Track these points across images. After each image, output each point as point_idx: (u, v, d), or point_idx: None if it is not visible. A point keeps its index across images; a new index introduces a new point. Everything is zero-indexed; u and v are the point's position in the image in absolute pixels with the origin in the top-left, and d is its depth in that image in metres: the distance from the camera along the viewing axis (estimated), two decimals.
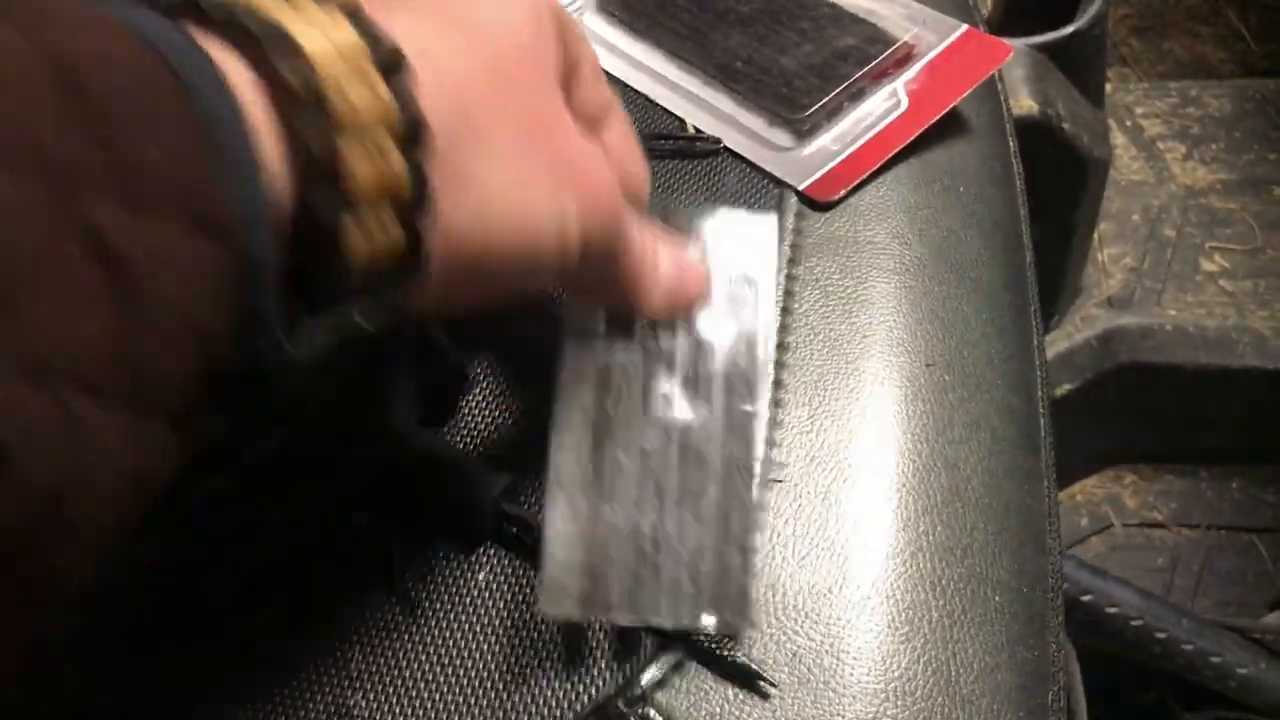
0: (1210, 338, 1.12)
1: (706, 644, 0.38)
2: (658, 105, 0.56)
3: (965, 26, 0.55)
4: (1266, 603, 1.09)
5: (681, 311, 0.40)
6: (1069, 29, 0.95)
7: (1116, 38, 1.53)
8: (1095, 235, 1.14)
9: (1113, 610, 0.82)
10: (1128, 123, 1.27)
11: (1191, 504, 1.17)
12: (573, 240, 0.33)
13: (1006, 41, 0.55)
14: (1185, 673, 0.84)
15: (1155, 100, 1.29)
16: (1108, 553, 1.16)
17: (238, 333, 0.25)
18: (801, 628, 0.39)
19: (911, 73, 0.53)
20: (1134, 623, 0.82)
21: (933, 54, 0.54)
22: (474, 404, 0.46)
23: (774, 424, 0.44)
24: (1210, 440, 1.17)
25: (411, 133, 0.28)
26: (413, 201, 0.28)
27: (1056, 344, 1.11)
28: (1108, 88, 1.13)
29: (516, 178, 0.31)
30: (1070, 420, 1.05)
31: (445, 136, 0.29)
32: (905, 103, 0.52)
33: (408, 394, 0.44)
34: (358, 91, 0.27)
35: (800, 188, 0.51)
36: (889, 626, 0.39)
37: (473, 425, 0.45)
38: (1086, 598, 0.83)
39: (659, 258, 0.39)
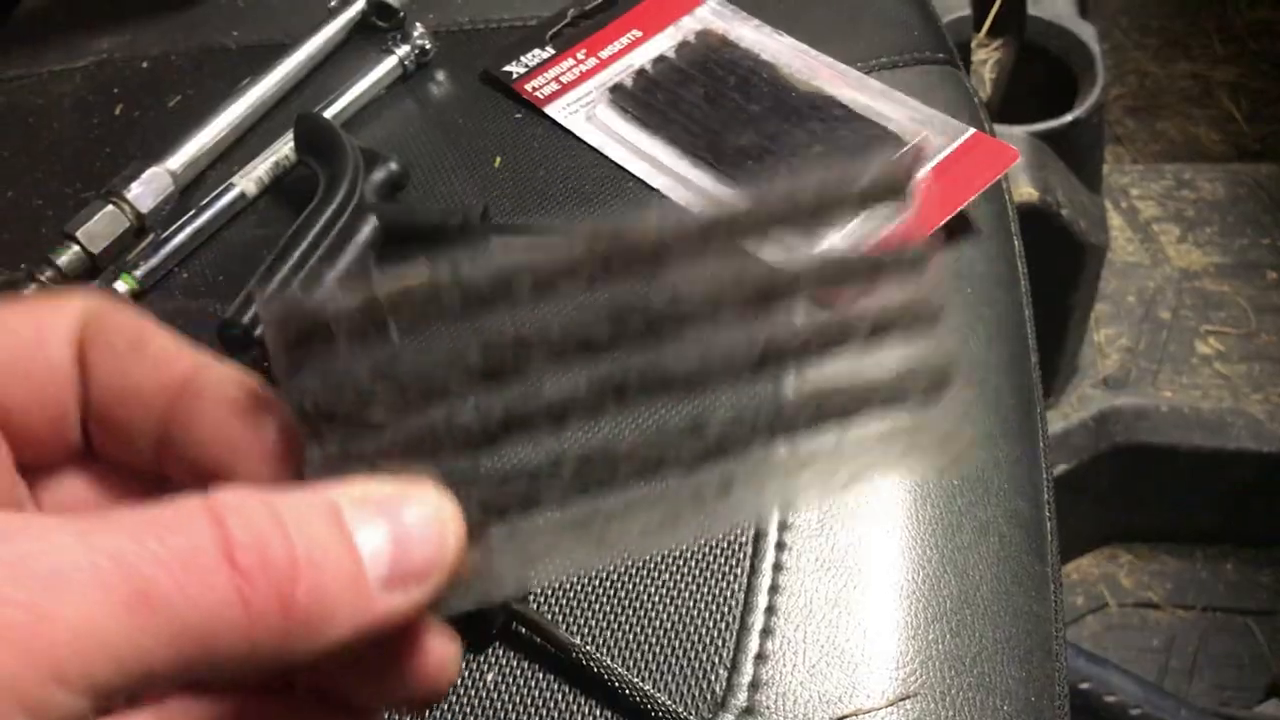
0: (1205, 420, 1.13)
1: None
2: (667, 199, 0.57)
3: (973, 130, 0.56)
4: (1261, 686, 1.09)
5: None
6: (1068, 117, 0.96)
7: (1110, 117, 1.55)
8: (1091, 316, 1.15)
9: (1111, 699, 0.82)
10: (1123, 204, 1.28)
11: (1186, 585, 1.17)
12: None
13: (1010, 133, 0.56)
14: None
15: (1150, 183, 1.31)
16: (1103, 632, 1.16)
17: None
18: None
19: (919, 175, 0.54)
20: (1133, 711, 0.82)
21: (941, 157, 0.55)
22: (480, 602, 0.46)
23: (784, 527, 0.44)
24: (1205, 521, 1.17)
25: None
26: None
27: (1053, 424, 1.12)
28: (1103, 169, 1.15)
29: None
30: (1066, 499, 1.05)
31: None
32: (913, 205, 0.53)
33: None
34: None
35: None
36: None
37: None
38: (1085, 685, 0.82)
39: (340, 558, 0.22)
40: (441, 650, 0.25)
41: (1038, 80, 1.08)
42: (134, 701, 0.24)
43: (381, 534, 0.22)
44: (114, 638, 0.20)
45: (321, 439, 0.24)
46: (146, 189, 0.60)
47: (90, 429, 0.27)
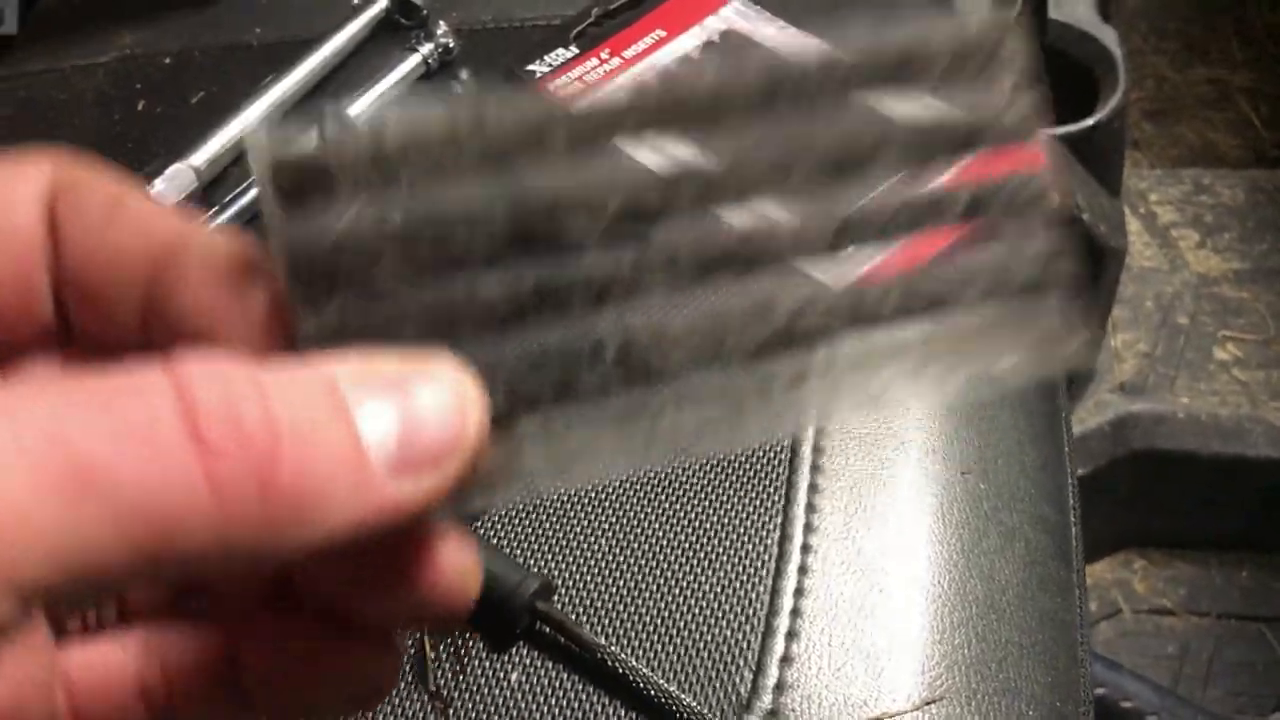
0: (1223, 426, 1.12)
1: None
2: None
3: None
4: (1276, 694, 1.09)
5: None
6: (1089, 121, 0.96)
7: (1129, 122, 1.55)
8: (1109, 321, 1.15)
9: (1127, 705, 0.81)
10: (1141, 209, 1.28)
11: (1201, 591, 1.17)
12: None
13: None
14: None
15: (1168, 187, 1.31)
16: (1116, 638, 1.15)
17: None
18: None
19: (949, 176, 0.54)
20: (1149, 718, 0.81)
21: (966, 160, 0.54)
22: (510, 503, 0.46)
23: (809, 529, 0.44)
24: (1221, 527, 1.17)
25: None
26: None
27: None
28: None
29: None
30: (1081, 505, 1.05)
31: None
32: None
33: None
34: None
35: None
36: None
37: (506, 523, 0.46)
38: (1100, 691, 0.82)
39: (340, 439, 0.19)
40: (458, 561, 0.21)
41: (1058, 84, 1.08)
42: (97, 605, 0.22)
43: (388, 412, 0.19)
44: (46, 527, 0.16)
45: (318, 306, 0.21)
46: (170, 185, 0.60)
47: (66, 302, 0.23)
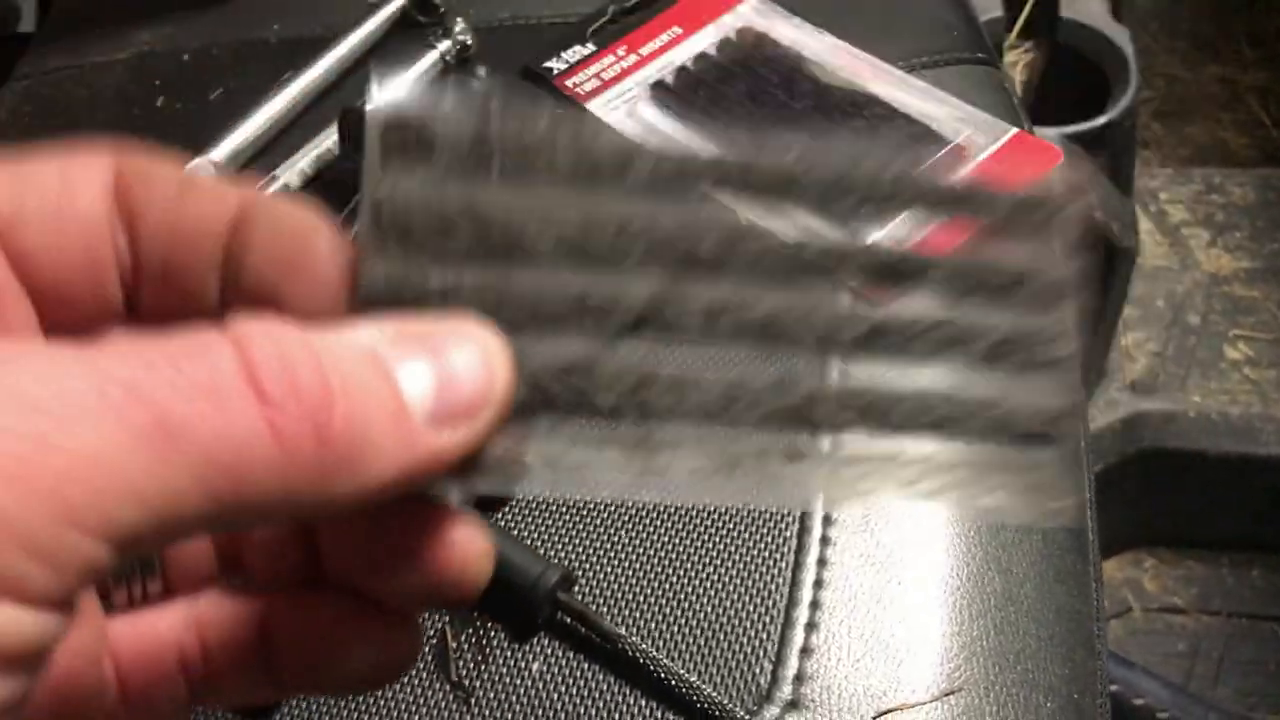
0: (1234, 425, 1.12)
1: None
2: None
3: (1015, 130, 0.56)
4: None
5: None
6: (1101, 120, 0.96)
7: (1138, 121, 1.55)
8: (1119, 320, 1.15)
9: (1140, 702, 0.81)
10: (1152, 208, 1.28)
11: (1212, 590, 1.17)
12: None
13: (1042, 136, 0.56)
14: None
15: (1179, 186, 1.31)
16: (1127, 637, 1.15)
17: None
18: None
19: (962, 174, 0.54)
20: (1160, 715, 0.82)
21: (983, 156, 0.55)
22: (531, 495, 0.47)
23: (828, 522, 0.44)
24: (1231, 527, 1.17)
25: None
26: None
27: None
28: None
29: None
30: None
31: None
32: None
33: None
34: None
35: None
36: None
37: (529, 514, 0.46)
38: (1113, 688, 0.82)
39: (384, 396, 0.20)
40: (470, 544, 0.23)
41: (1069, 83, 1.08)
42: (162, 550, 0.24)
43: (425, 370, 0.20)
44: (133, 472, 0.17)
45: (387, 255, 0.22)
46: None
47: (142, 282, 0.24)
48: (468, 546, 0.23)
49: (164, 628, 0.24)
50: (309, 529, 0.24)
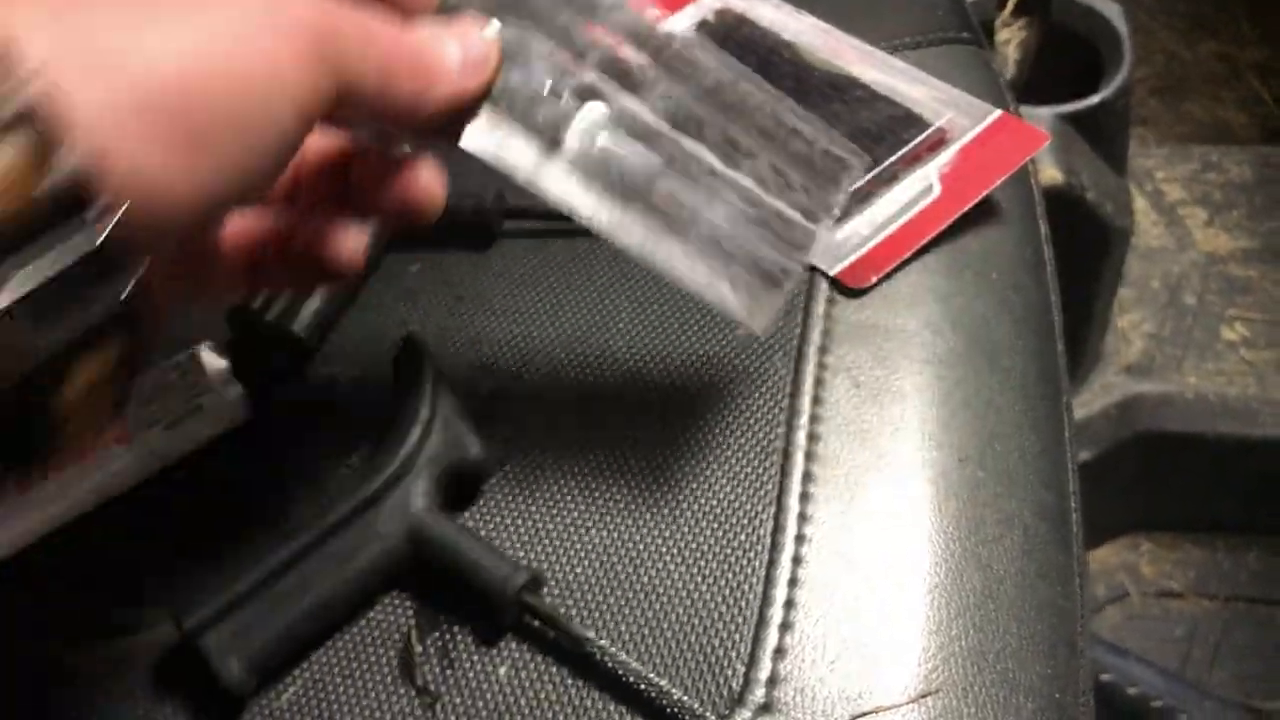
0: (1231, 407, 1.11)
1: None
2: None
3: (999, 112, 0.54)
4: None
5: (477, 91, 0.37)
6: (1095, 98, 0.94)
7: (1135, 99, 1.53)
8: (1115, 302, 1.14)
9: (1133, 690, 0.80)
10: (1148, 187, 1.26)
11: (1209, 574, 1.16)
12: (302, 85, 0.31)
13: (1034, 115, 0.54)
14: None
15: (1176, 165, 1.29)
16: (1123, 622, 1.14)
17: None
18: None
19: (945, 157, 0.53)
20: (1155, 704, 0.81)
21: (966, 139, 0.53)
22: (497, 492, 0.45)
23: (803, 519, 0.43)
24: (1229, 510, 1.15)
25: None
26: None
27: (1074, 411, 1.10)
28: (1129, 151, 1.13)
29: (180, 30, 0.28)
30: (1087, 488, 1.03)
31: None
32: (938, 188, 0.52)
33: (427, 479, 0.43)
34: None
35: (832, 273, 0.50)
36: None
37: (496, 514, 0.45)
38: (1106, 677, 0.81)
39: (439, 55, 0.36)
40: (431, 176, 0.39)
41: (1062, 61, 1.06)
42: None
43: (457, 47, 0.36)
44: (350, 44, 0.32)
45: None
46: None
47: None
48: (430, 178, 0.39)
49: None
50: (345, 168, 0.39)
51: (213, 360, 0.48)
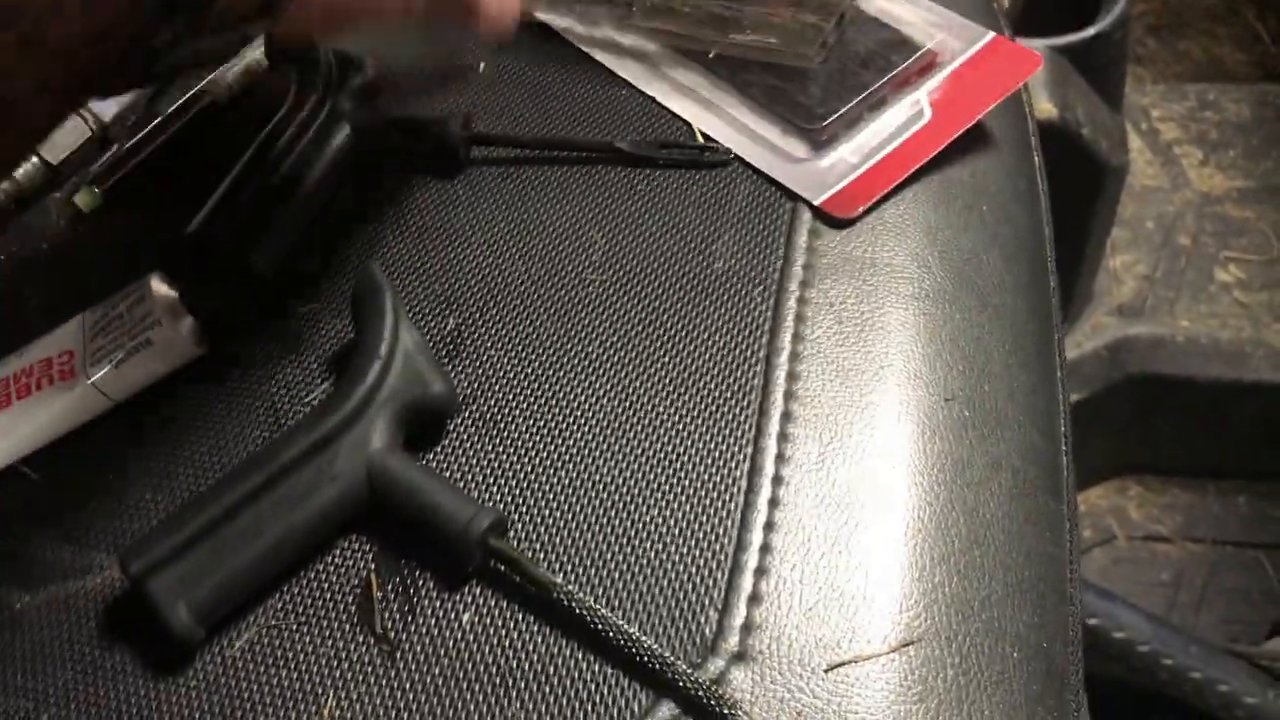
0: (1223, 350, 1.09)
1: (705, 699, 0.36)
2: (663, 108, 0.53)
3: (992, 34, 0.52)
4: (1270, 620, 1.07)
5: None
6: (1091, 31, 0.92)
7: (1131, 37, 1.50)
8: (1107, 242, 1.11)
9: (1120, 635, 0.79)
10: (1143, 126, 1.24)
11: (1197, 518, 1.15)
12: None
13: (1031, 46, 0.52)
14: (1191, 700, 0.81)
15: (1172, 103, 1.26)
16: (1110, 565, 1.13)
17: None
18: (807, 685, 0.37)
19: (935, 82, 0.50)
20: (1141, 648, 0.80)
21: (958, 62, 0.51)
22: (462, 432, 0.43)
23: (781, 460, 0.41)
24: (1219, 454, 1.14)
25: None
26: None
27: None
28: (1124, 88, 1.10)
29: None
30: (1077, 431, 1.02)
31: None
32: (928, 114, 0.49)
33: (387, 417, 0.41)
34: None
35: (816, 202, 0.48)
36: (900, 685, 0.37)
37: (460, 455, 0.43)
38: (1093, 621, 0.80)
39: None
40: None
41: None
42: None
43: None
44: None
45: None
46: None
47: None
48: None
49: None
50: None
51: (163, 290, 0.46)
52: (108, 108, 0.56)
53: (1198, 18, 1.55)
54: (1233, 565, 1.12)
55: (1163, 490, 1.16)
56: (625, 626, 0.37)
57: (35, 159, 0.54)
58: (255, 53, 0.57)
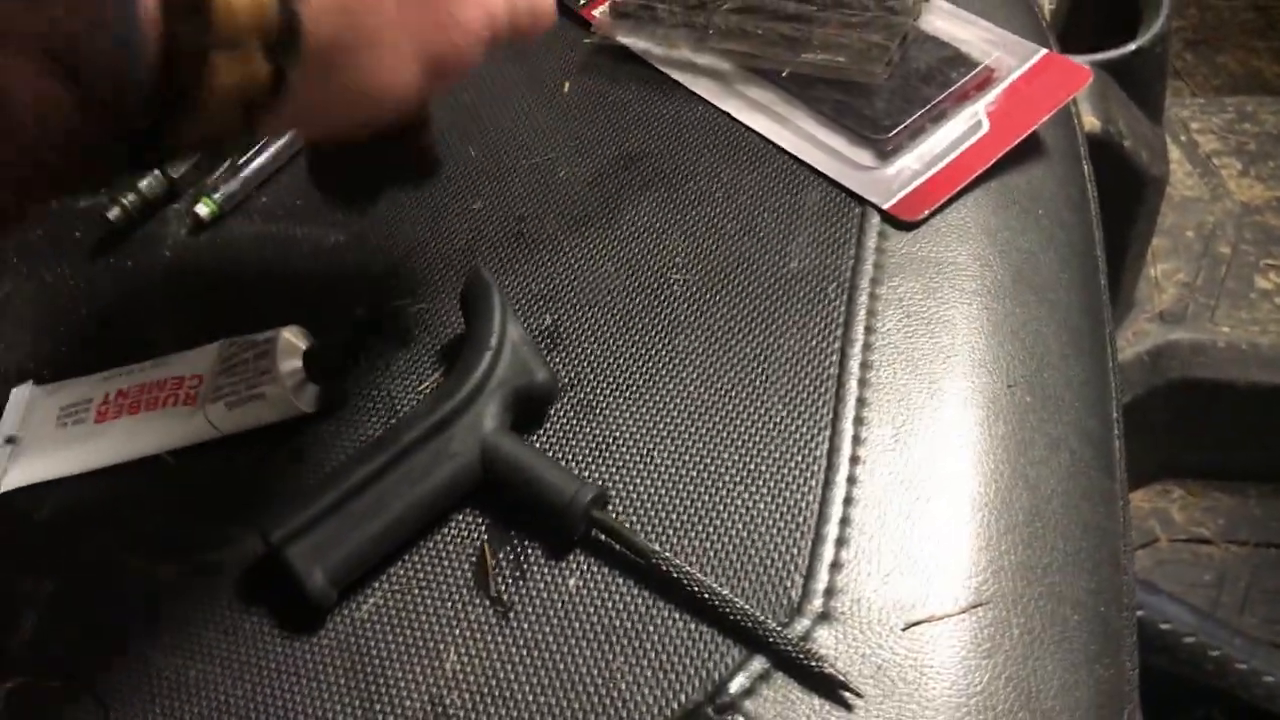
0: (1263, 355, 1.12)
1: (794, 654, 0.40)
2: (737, 121, 0.57)
3: (1044, 51, 0.55)
4: None
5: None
6: (1132, 46, 0.95)
7: (1171, 51, 1.52)
8: (1149, 250, 1.14)
9: (1166, 626, 0.82)
10: (1183, 138, 1.26)
11: (1239, 521, 1.17)
12: (423, 96, 0.40)
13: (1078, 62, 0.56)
14: (1236, 691, 0.84)
15: (1211, 116, 1.29)
16: (1153, 567, 1.16)
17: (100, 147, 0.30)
18: (885, 642, 0.40)
19: (992, 96, 0.54)
20: (1186, 640, 0.82)
21: (1013, 77, 0.55)
22: (562, 417, 0.47)
23: (857, 441, 0.45)
24: (1260, 458, 1.16)
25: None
26: (282, 37, 0.32)
27: None
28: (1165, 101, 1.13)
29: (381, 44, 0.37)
30: None
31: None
32: (986, 125, 0.53)
33: (498, 402, 0.45)
34: None
35: (885, 207, 0.52)
36: (972, 642, 0.40)
37: (562, 436, 0.47)
38: (1139, 613, 0.83)
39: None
40: None
41: (1100, 9, 1.07)
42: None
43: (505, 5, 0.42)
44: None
45: None
46: None
47: None
48: None
49: None
50: None
51: (290, 347, 0.49)
52: None
53: (1235, 32, 1.58)
54: (1275, 567, 1.14)
55: (1204, 493, 1.18)
56: (720, 589, 0.41)
57: (156, 172, 0.59)
58: None
